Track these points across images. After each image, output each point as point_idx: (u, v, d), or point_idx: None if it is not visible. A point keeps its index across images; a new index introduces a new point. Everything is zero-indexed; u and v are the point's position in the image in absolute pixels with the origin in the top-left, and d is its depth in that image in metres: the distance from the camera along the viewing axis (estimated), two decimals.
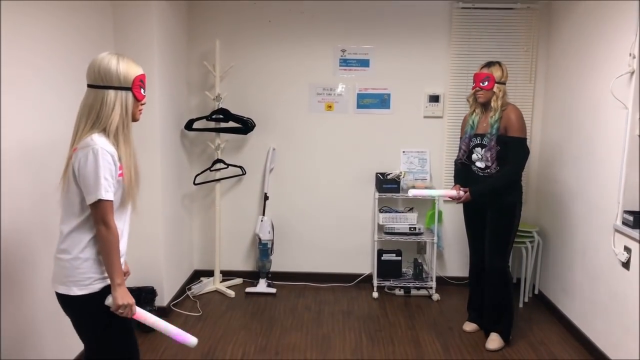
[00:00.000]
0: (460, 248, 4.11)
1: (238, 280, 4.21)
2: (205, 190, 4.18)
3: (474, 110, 3.16)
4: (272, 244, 4.06)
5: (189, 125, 3.88)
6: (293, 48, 4.06)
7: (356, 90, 4.10)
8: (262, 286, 4.03)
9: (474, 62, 3.80)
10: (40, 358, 2.47)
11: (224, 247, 4.20)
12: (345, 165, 4.18)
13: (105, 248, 1.74)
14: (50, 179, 2.46)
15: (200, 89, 4.06)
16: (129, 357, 1.90)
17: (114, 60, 1.75)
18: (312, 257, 4.27)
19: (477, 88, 3.05)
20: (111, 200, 1.72)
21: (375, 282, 4.01)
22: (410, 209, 4.07)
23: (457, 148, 3.34)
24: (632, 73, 2.75)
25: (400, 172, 3.91)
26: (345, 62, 4.08)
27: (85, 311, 1.81)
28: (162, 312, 3.41)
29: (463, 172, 3.26)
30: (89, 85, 1.76)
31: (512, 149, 3.00)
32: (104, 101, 1.73)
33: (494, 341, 3.16)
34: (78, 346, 2.67)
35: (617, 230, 2.87)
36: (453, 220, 4.12)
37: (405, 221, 3.95)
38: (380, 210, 4.01)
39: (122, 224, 1.85)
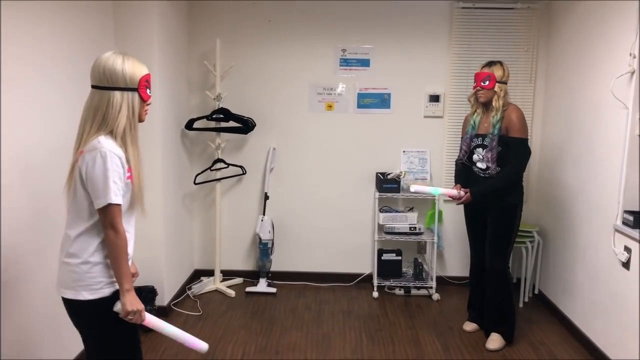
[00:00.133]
0: (461, 248, 4.11)
1: (238, 280, 4.21)
2: (205, 190, 4.18)
3: (475, 110, 3.15)
4: (273, 243, 4.06)
5: (189, 125, 3.88)
6: (293, 48, 4.06)
7: (356, 90, 4.10)
8: (262, 286, 4.04)
9: (474, 62, 3.80)
10: (41, 358, 2.47)
11: (225, 246, 4.21)
12: (345, 165, 4.18)
13: (113, 253, 1.71)
14: (51, 180, 2.47)
15: (200, 88, 4.06)
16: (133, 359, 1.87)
17: (119, 60, 1.71)
18: (312, 257, 4.27)
19: (478, 87, 3.03)
20: (120, 204, 1.69)
21: (375, 282, 4.01)
22: (411, 209, 4.07)
23: (458, 148, 3.34)
24: (633, 73, 2.75)
25: (401, 172, 3.92)
26: (345, 62, 4.08)
27: (95, 316, 1.77)
28: (162, 312, 3.42)
29: (464, 172, 3.24)
30: (93, 87, 1.72)
31: (513, 150, 2.99)
32: (109, 103, 1.69)
33: (495, 341, 3.16)
34: (78, 346, 2.68)
35: (617, 230, 2.87)
36: (453, 220, 4.12)
37: (405, 221, 3.95)
38: (381, 210, 4.01)
39: (130, 227, 1.82)
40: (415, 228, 3.94)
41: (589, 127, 3.25)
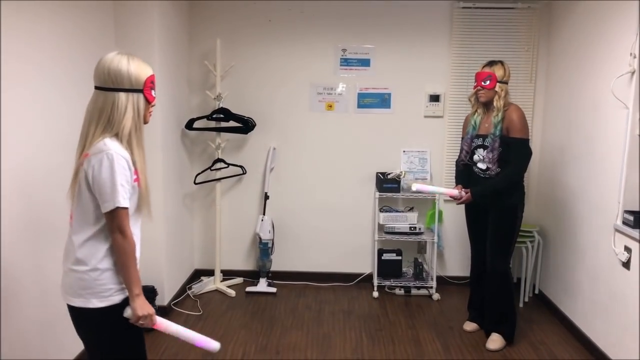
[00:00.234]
0: (461, 248, 4.11)
1: (238, 280, 4.21)
2: (205, 190, 4.18)
3: (476, 110, 3.13)
4: (273, 243, 4.06)
5: (189, 125, 3.88)
6: (294, 47, 4.06)
7: (357, 90, 4.10)
8: (262, 285, 4.04)
9: (475, 61, 3.80)
10: (41, 358, 2.47)
11: (225, 246, 4.20)
12: (345, 164, 4.18)
13: (122, 257, 1.67)
14: (51, 180, 2.47)
15: (201, 88, 4.06)
16: None
17: (124, 60, 1.67)
18: (313, 257, 4.27)
19: (479, 87, 3.02)
20: (127, 208, 1.66)
21: (375, 282, 4.01)
22: (411, 209, 4.07)
23: (458, 148, 3.33)
24: (633, 73, 2.75)
25: (401, 172, 3.92)
26: (345, 62, 4.08)
27: (105, 324, 1.72)
28: (163, 311, 3.42)
29: (465, 173, 3.23)
30: (97, 87, 1.68)
31: (514, 150, 2.97)
32: (115, 104, 1.65)
33: (495, 341, 3.16)
34: (77, 347, 2.68)
35: (617, 230, 2.87)
36: (453, 219, 4.12)
37: (405, 221, 3.95)
38: (381, 210, 4.01)
39: (137, 230, 1.78)
40: (415, 228, 3.94)
41: (589, 127, 3.25)
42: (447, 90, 4.06)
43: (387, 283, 4.02)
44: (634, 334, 2.68)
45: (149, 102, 1.74)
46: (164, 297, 3.53)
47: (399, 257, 4.03)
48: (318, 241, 4.26)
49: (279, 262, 4.21)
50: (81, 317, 1.73)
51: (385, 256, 4.02)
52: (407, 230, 3.94)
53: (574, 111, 3.48)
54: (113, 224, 1.65)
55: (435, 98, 4.07)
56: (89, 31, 2.89)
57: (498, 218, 3.10)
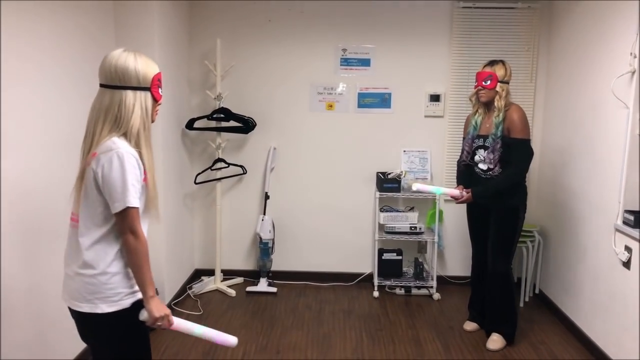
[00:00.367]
0: (461, 247, 4.11)
1: (239, 280, 4.21)
2: (206, 190, 4.18)
3: (477, 111, 3.12)
4: (273, 243, 4.06)
5: (190, 125, 3.88)
6: (294, 47, 4.06)
7: (357, 90, 4.10)
8: (262, 285, 4.04)
9: (475, 61, 3.81)
10: (41, 358, 2.47)
11: (225, 246, 4.21)
12: (346, 164, 4.18)
13: (134, 259, 1.62)
14: (52, 180, 2.48)
15: (201, 88, 4.06)
16: None
17: (131, 58, 1.63)
18: (313, 257, 4.27)
19: (480, 87, 3.00)
20: (138, 207, 1.61)
21: (376, 282, 4.01)
22: (411, 209, 4.07)
23: (458, 147, 3.33)
24: (633, 72, 2.75)
25: (401, 172, 3.92)
26: (346, 62, 4.08)
27: (114, 329, 1.67)
28: None
29: (466, 173, 3.21)
30: (103, 85, 1.64)
31: (515, 151, 2.96)
32: (122, 102, 1.61)
33: (496, 342, 3.15)
34: (78, 347, 2.68)
35: (617, 230, 2.87)
36: (454, 219, 4.12)
37: (405, 220, 3.95)
38: (381, 210, 4.01)
39: (145, 231, 1.71)
40: (415, 228, 3.94)
41: (589, 127, 3.25)
42: (448, 90, 4.06)
43: (388, 283, 4.02)
44: (634, 334, 2.68)
45: (156, 100, 1.70)
46: (165, 297, 3.53)
47: (400, 257, 4.03)
48: (318, 241, 4.26)
49: (279, 262, 4.21)
50: (88, 323, 1.67)
51: (386, 256, 4.02)
52: (408, 230, 3.94)
53: (575, 111, 3.47)
54: (124, 225, 1.60)
55: (435, 98, 4.07)
56: (89, 31, 2.90)
57: (500, 219, 3.09)
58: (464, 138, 3.25)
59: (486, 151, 3.03)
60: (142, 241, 1.63)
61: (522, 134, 2.95)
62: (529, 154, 3.01)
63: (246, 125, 3.95)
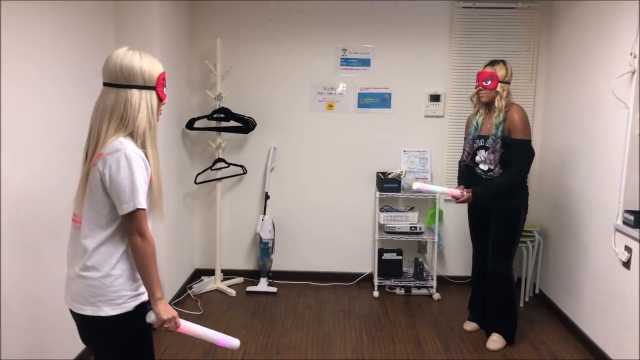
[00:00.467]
0: (461, 247, 4.11)
1: (239, 279, 4.21)
2: (206, 190, 4.18)
3: (478, 111, 3.11)
4: (273, 243, 4.06)
5: (190, 125, 3.88)
6: (294, 47, 4.06)
7: (357, 90, 4.10)
8: (263, 285, 4.04)
9: (475, 61, 3.81)
10: (41, 358, 2.47)
11: (225, 246, 4.21)
12: (346, 164, 4.18)
13: (142, 260, 1.59)
14: (51, 180, 2.47)
15: (201, 88, 4.06)
16: None
17: (137, 56, 1.61)
18: (313, 256, 4.27)
19: (480, 87, 2.99)
20: (146, 209, 1.58)
21: (376, 281, 4.01)
22: (411, 209, 4.07)
23: (458, 147, 3.33)
24: (633, 72, 2.75)
25: (401, 172, 3.92)
26: (346, 62, 4.08)
27: (117, 332, 1.64)
28: None
29: (467, 173, 3.21)
30: (107, 84, 1.61)
31: (516, 151, 2.95)
32: (128, 102, 1.58)
33: (496, 342, 3.15)
34: (78, 346, 2.68)
35: (617, 230, 2.87)
36: (454, 219, 4.12)
37: (406, 220, 3.95)
38: (381, 210, 4.01)
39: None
40: (415, 227, 3.94)
41: (589, 127, 3.25)
42: (448, 90, 4.06)
43: (388, 283, 4.02)
44: (634, 334, 2.68)
45: (161, 99, 1.68)
46: (165, 297, 3.52)
47: (400, 257, 4.03)
48: (318, 241, 4.26)
49: (280, 262, 4.21)
50: (91, 326, 1.64)
51: (386, 256, 4.02)
52: (408, 230, 3.94)
53: (574, 111, 3.47)
54: (132, 226, 1.57)
55: (435, 98, 4.07)
56: (89, 31, 2.90)
57: (501, 219, 3.09)
58: (465, 138, 3.24)
59: (487, 152, 3.03)
60: (149, 243, 1.60)
61: (522, 134, 2.94)
62: (530, 154, 2.99)
63: (246, 125, 3.95)
